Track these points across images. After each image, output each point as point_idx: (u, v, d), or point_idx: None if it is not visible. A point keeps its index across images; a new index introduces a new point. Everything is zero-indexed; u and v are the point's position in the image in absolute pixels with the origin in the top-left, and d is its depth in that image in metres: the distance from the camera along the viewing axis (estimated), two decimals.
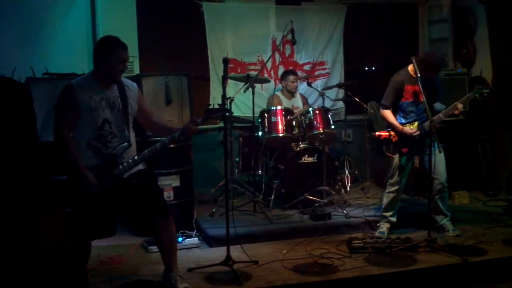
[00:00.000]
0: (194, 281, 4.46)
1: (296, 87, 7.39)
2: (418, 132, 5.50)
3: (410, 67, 5.50)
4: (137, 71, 7.08)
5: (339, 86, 7.61)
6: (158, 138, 5.05)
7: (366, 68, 8.19)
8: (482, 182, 7.45)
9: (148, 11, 7.46)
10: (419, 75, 5.25)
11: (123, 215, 4.50)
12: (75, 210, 4.17)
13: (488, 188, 7.37)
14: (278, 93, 7.40)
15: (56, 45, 6.64)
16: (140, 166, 4.26)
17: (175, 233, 4.41)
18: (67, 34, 6.76)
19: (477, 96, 5.46)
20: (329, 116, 6.62)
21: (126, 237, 5.77)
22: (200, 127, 4.36)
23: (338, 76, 8.32)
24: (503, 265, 4.93)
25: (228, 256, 4.69)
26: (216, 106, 4.46)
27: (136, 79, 5.46)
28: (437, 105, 5.68)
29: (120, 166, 4.11)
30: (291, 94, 7.37)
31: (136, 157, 4.19)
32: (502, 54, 7.47)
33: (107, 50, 4.06)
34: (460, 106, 5.42)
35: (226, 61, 4.86)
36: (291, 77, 7.29)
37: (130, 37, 7.05)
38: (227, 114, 5.02)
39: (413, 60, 5.34)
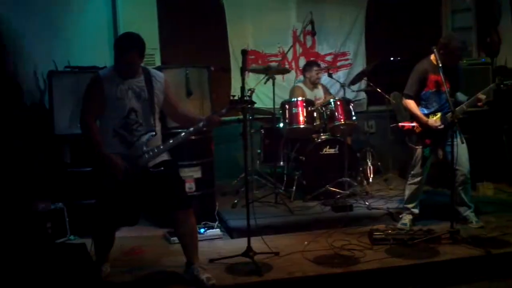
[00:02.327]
0: (215, 272, 4.46)
1: (319, 79, 7.36)
2: (442, 125, 5.42)
3: (432, 56, 5.43)
4: (158, 63, 7.11)
5: (360, 76, 7.54)
6: (181, 130, 5.08)
7: (392, 59, 8.09)
8: (507, 173, 7.34)
9: (169, 3, 7.48)
10: (440, 64, 5.18)
11: (146, 205, 4.53)
12: (99, 199, 4.26)
13: None
14: (301, 84, 7.38)
15: (77, 39, 6.70)
16: (165, 156, 4.30)
17: (195, 226, 4.41)
18: (89, 27, 6.81)
19: (502, 86, 5.38)
20: (351, 107, 6.57)
21: (148, 228, 5.82)
22: (222, 118, 4.38)
23: (360, 66, 8.28)
24: None
25: (249, 247, 4.69)
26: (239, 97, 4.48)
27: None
28: (459, 95, 5.61)
29: (146, 155, 4.16)
30: (313, 85, 7.34)
31: (161, 146, 4.24)
32: None
33: (114, 51, 4.18)
34: (482, 97, 5.35)
35: (245, 52, 4.84)
36: (314, 68, 7.26)
37: (150, 29, 7.11)
38: (250, 106, 5.03)
39: (434, 49, 5.28)
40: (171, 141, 4.25)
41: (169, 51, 7.39)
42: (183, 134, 4.28)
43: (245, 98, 4.55)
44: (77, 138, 4.64)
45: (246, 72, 7.25)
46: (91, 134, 4.12)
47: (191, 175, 5.81)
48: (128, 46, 4.13)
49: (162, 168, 4.19)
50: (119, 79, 4.17)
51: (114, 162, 4.05)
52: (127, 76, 4.19)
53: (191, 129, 4.28)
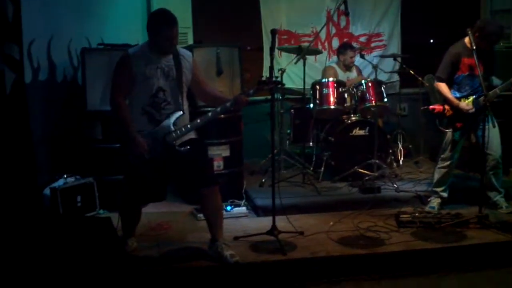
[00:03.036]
0: (239, 249, 4.51)
1: (353, 62, 7.30)
2: (473, 109, 5.34)
3: (467, 39, 5.33)
4: (190, 41, 7.15)
5: (393, 57, 7.45)
6: (209, 109, 5.12)
7: (432, 41, 7.97)
8: None
9: None
10: (474, 47, 5.09)
11: (173, 181, 4.60)
12: (127, 176, 4.34)
13: None
14: (334, 65, 7.33)
15: (111, 16, 6.76)
16: (192, 135, 4.35)
17: (220, 203, 4.45)
18: (122, 5, 6.88)
19: None
20: (383, 88, 6.50)
21: (177, 204, 5.90)
22: (251, 98, 4.40)
23: (395, 48, 8.21)
24: None
25: (274, 226, 4.72)
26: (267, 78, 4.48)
27: (188, 49, 5.50)
28: (494, 80, 5.51)
29: (173, 133, 4.21)
30: (347, 68, 7.28)
31: (188, 125, 4.28)
32: None
33: (155, 27, 4.15)
34: None
35: (274, 32, 4.83)
36: (349, 52, 7.19)
37: (184, 8, 7.15)
38: (279, 86, 5.02)
39: (469, 31, 5.18)
40: (198, 121, 4.29)
41: (202, 30, 7.43)
42: (210, 113, 4.31)
43: (274, 79, 4.54)
44: (108, 115, 4.69)
45: (278, 52, 7.29)
46: (120, 112, 4.18)
47: (219, 153, 5.87)
48: (174, 20, 4.15)
49: (189, 146, 4.23)
50: (149, 58, 4.20)
51: (139, 144, 4.10)
52: (165, 53, 4.22)
53: (218, 108, 4.30)
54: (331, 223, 5.24)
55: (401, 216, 5.20)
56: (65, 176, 5.46)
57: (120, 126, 4.20)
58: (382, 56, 7.61)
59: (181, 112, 4.28)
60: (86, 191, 5.50)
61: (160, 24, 4.14)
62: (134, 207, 4.51)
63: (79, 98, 5.74)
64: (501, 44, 6.77)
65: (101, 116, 5.60)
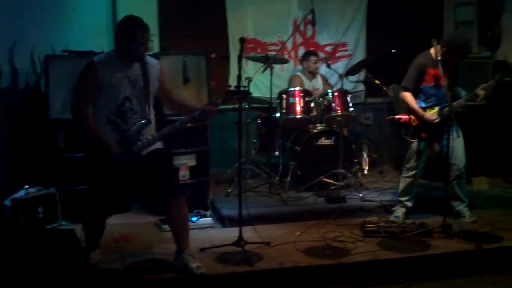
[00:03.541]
0: (205, 261, 4.47)
1: (317, 68, 7.35)
2: (438, 119, 5.40)
3: (432, 50, 5.39)
4: (157, 49, 7.08)
5: (359, 66, 7.51)
6: (176, 117, 5.08)
7: (393, 51, 8.07)
8: (502, 168, 7.34)
9: None
10: (439, 58, 5.15)
11: (138, 192, 4.54)
12: (91, 186, 4.25)
13: (508, 175, 7.25)
14: (300, 74, 7.36)
15: (75, 23, 6.64)
16: (158, 145, 4.30)
17: (187, 214, 4.41)
18: (87, 11, 6.76)
19: (499, 83, 5.35)
20: (348, 98, 6.54)
21: (141, 215, 5.81)
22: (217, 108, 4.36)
23: (360, 57, 8.21)
24: None
25: (240, 237, 4.70)
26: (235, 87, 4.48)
27: (154, 57, 5.46)
28: (459, 90, 5.58)
29: (139, 143, 4.15)
30: (312, 75, 7.33)
31: (155, 135, 4.23)
32: None
33: (128, 33, 4.07)
34: (481, 93, 5.32)
35: (242, 41, 4.83)
36: (312, 58, 7.26)
37: (150, 15, 7.06)
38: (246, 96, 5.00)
39: (434, 42, 5.25)
40: (165, 130, 4.25)
41: (168, 38, 7.35)
42: (177, 123, 4.27)
43: (242, 89, 4.53)
44: (72, 123, 4.61)
45: (245, 60, 7.27)
46: (84, 120, 4.10)
47: (185, 163, 5.81)
48: (147, 26, 4.11)
49: (154, 157, 4.18)
50: (115, 66, 4.13)
51: (112, 148, 4.04)
52: (135, 61, 4.16)
53: (186, 118, 4.27)
54: (298, 233, 5.24)
55: (367, 225, 5.24)
56: (26, 186, 5.35)
57: (86, 134, 4.12)
58: (349, 72, 7.59)
59: (147, 121, 4.22)
60: (48, 202, 5.39)
61: (134, 29, 4.06)
62: (98, 219, 4.42)
63: (41, 106, 5.63)
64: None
65: (64, 125, 5.51)
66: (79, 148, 4.38)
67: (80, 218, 4.48)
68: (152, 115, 4.30)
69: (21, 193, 5.23)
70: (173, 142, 5.40)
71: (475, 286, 4.53)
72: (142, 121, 4.20)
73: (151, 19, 7.05)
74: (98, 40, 6.55)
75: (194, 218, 5.42)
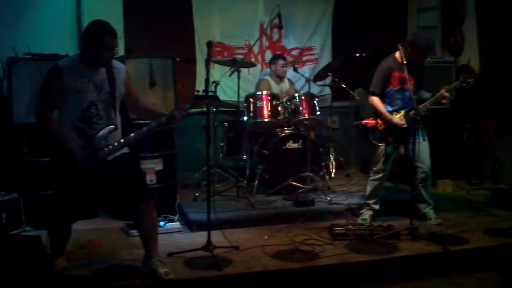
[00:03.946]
0: (174, 266, 4.42)
1: (285, 72, 7.36)
2: (405, 124, 5.45)
3: (397, 54, 5.44)
4: (122, 52, 6.99)
5: (325, 71, 7.56)
6: (142, 121, 5.03)
7: (358, 55, 8.15)
8: (466, 171, 7.48)
9: None
10: (405, 62, 5.21)
11: (105, 197, 4.47)
12: (57, 191, 4.17)
13: (472, 177, 7.40)
14: (267, 77, 7.37)
15: (39, 25, 6.53)
16: (124, 149, 4.23)
17: (156, 218, 4.36)
18: (51, 14, 6.65)
19: (464, 85, 5.43)
20: (315, 102, 6.56)
21: (107, 220, 5.72)
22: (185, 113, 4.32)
23: (326, 61, 8.25)
24: (484, 254, 4.93)
25: (209, 241, 4.66)
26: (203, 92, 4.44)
27: (120, 60, 5.38)
28: (424, 93, 5.65)
29: (105, 149, 4.08)
30: (280, 78, 7.34)
31: (121, 140, 4.17)
32: (489, 43, 7.46)
33: (96, 38, 4.00)
34: (447, 94, 5.38)
35: (210, 44, 4.80)
36: (280, 62, 7.27)
37: (115, 18, 6.93)
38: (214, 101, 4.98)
39: (400, 46, 5.30)
40: (132, 135, 4.19)
41: (134, 41, 7.26)
42: (144, 128, 4.20)
43: (210, 93, 4.50)
44: (36, 127, 4.51)
45: (212, 64, 7.24)
46: (50, 125, 4.01)
47: (152, 167, 5.75)
48: (115, 32, 4.05)
49: (121, 162, 4.12)
50: (80, 71, 4.05)
51: (77, 154, 3.96)
52: (101, 65, 4.09)
53: (153, 123, 4.20)
54: (266, 237, 5.23)
55: (335, 228, 5.25)
56: None
57: (52, 139, 4.04)
58: (317, 79, 7.63)
59: (114, 127, 4.16)
60: (12, 207, 5.26)
61: (103, 35, 4.00)
62: (64, 224, 4.32)
63: (4, 110, 5.50)
64: (429, 59, 6.96)
65: (28, 129, 5.39)
66: (44, 152, 4.27)
67: (45, 224, 4.38)
68: (118, 120, 4.24)
69: None
70: (139, 146, 5.33)
71: (442, 287, 4.59)
72: (109, 127, 4.13)
73: (116, 21, 6.89)
74: (63, 42, 6.46)
75: (161, 223, 5.36)
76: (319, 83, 7.66)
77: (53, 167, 4.12)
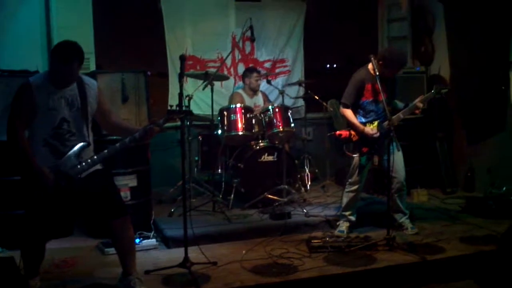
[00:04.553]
0: (151, 284, 4.36)
1: (259, 85, 7.34)
2: (378, 133, 5.48)
3: (370, 66, 5.46)
4: (93, 67, 6.93)
5: (299, 83, 7.60)
6: (115, 137, 4.96)
7: (328, 66, 8.20)
8: (440, 180, 7.54)
9: (105, 6, 7.29)
10: (377, 73, 5.24)
11: (80, 215, 4.40)
12: (29, 210, 4.07)
13: (446, 186, 7.46)
14: (240, 91, 7.35)
15: (8, 41, 6.46)
16: (97, 166, 4.17)
17: (132, 235, 4.30)
18: (20, 29, 6.57)
19: (437, 95, 5.48)
20: (289, 114, 6.55)
21: (81, 238, 5.62)
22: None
23: (298, 73, 8.34)
24: (460, 263, 4.95)
25: (186, 258, 4.61)
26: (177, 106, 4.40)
27: (91, 76, 5.31)
28: (397, 103, 5.68)
29: (78, 166, 4.01)
30: (253, 92, 7.32)
31: (95, 157, 4.10)
32: (459, 53, 7.54)
33: (57, 59, 3.95)
34: (420, 105, 5.43)
35: (183, 58, 4.76)
36: (254, 75, 7.24)
37: (85, 32, 6.92)
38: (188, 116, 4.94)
39: (372, 58, 5.33)
40: (105, 152, 4.12)
41: (105, 56, 7.22)
42: (118, 144, 4.15)
43: (183, 108, 4.46)
44: (6, 145, 4.41)
45: (184, 77, 7.20)
46: (20, 144, 3.93)
47: (126, 183, 5.67)
48: (71, 56, 3.94)
49: (94, 179, 4.06)
50: (51, 88, 3.99)
51: (45, 176, 3.89)
52: (63, 86, 4.03)
53: (127, 139, 4.14)
54: (244, 251, 5.18)
55: (312, 241, 5.23)
56: None
57: (21, 160, 3.96)
58: (289, 84, 7.68)
59: (86, 143, 4.09)
60: None
61: (59, 58, 3.93)
62: (37, 244, 4.21)
63: None
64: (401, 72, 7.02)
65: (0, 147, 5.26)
66: (15, 170, 4.18)
67: (18, 244, 4.28)
68: (90, 137, 4.18)
69: None
70: (112, 162, 5.25)
71: None
72: (81, 144, 4.06)
73: (86, 36, 6.92)
74: (32, 58, 6.35)
75: (137, 240, 5.26)
76: (292, 95, 7.68)
77: (24, 186, 4.03)
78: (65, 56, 3.93)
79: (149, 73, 6.26)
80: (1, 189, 5.29)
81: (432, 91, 5.48)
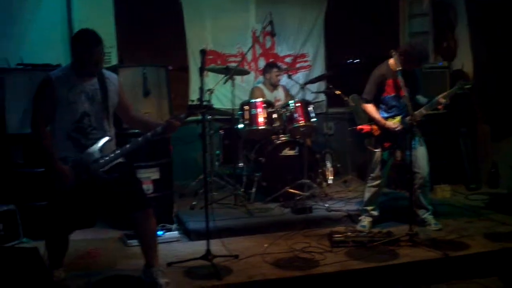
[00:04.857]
0: (173, 276, 4.37)
1: (279, 80, 7.33)
2: (400, 127, 5.44)
3: (391, 61, 5.44)
4: (114, 61, 6.96)
5: (320, 78, 7.56)
6: (137, 131, 4.99)
7: (349, 61, 8.15)
8: (464, 175, 7.46)
9: (126, 0, 7.31)
10: (399, 68, 5.21)
11: (103, 207, 4.42)
12: (51, 202, 4.12)
13: (469, 182, 7.38)
14: (261, 85, 7.34)
15: (31, 35, 6.50)
16: (120, 159, 4.18)
17: (155, 227, 4.33)
18: (42, 24, 6.62)
19: (460, 91, 5.43)
20: (310, 108, 6.53)
21: (105, 230, 5.67)
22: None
23: (319, 68, 8.30)
24: (484, 260, 4.90)
25: (208, 251, 4.62)
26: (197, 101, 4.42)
27: (113, 70, 5.34)
28: (419, 98, 5.63)
29: (101, 160, 4.03)
30: (273, 86, 7.31)
31: (117, 151, 4.12)
32: (482, 47, 7.47)
33: (81, 45, 3.98)
34: (443, 100, 5.38)
35: (203, 52, 4.77)
36: (274, 70, 7.24)
37: (107, 27, 6.95)
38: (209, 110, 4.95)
39: (394, 53, 5.30)
40: (127, 146, 4.14)
41: (126, 50, 7.23)
42: (140, 139, 4.16)
43: (204, 103, 4.46)
44: (30, 138, 4.46)
45: (205, 72, 7.21)
46: (42, 140, 3.97)
47: (148, 176, 5.71)
48: (97, 40, 3.98)
49: (117, 173, 4.08)
50: (72, 81, 4.01)
51: (62, 174, 3.91)
52: (90, 75, 4.04)
53: (149, 134, 4.15)
54: (266, 245, 5.18)
55: (334, 236, 5.21)
56: None
57: (42, 154, 3.99)
58: (309, 82, 7.62)
59: (108, 138, 4.12)
60: (8, 219, 5.19)
61: (89, 43, 3.96)
62: (60, 235, 4.25)
63: None
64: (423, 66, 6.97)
65: (23, 139, 5.33)
66: (39, 162, 4.21)
67: (42, 235, 4.32)
68: (112, 131, 4.20)
69: None
70: (135, 155, 5.26)
71: None
72: (103, 138, 4.08)
73: (108, 30, 6.96)
74: (54, 52, 6.44)
75: (159, 232, 5.28)
76: (313, 89, 7.66)
77: (47, 178, 4.06)
78: (91, 37, 3.97)
79: (170, 67, 6.29)
80: (27, 181, 5.36)
81: (455, 87, 5.42)
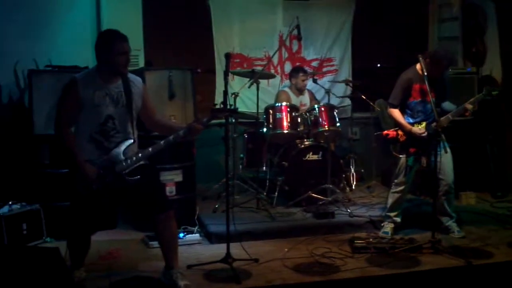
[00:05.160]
0: (193, 278, 4.40)
1: (305, 85, 7.29)
2: (426, 133, 5.39)
3: (418, 66, 5.40)
4: (142, 64, 7.02)
5: (344, 82, 7.53)
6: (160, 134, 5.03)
7: (379, 65, 8.11)
8: (490, 183, 7.34)
9: (154, 2, 7.39)
10: (426, 73, 5.16)
11: (124, 209, 4.46)
12: (73, 203, 4.17)
13: (496, 189, 7.26)
14: (287, 89, 7.32)
15: (60, 37, 6.60)
16: (142, 161, 4.21)
17: (176, 229, 4.35)
18: (72, 26, 6.71)
19: (488, 96, 5.36)
20: (335, 113, 6.51)
21: (127, 231, 5.73)
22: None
23: (346, 73, 8.25)
24: (508, 269, 4.83)
25: (228, 254, 4.63)
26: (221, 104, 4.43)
27: (139, 73, 5.40)
28: (447, 105, 5.57)
29: (123, 163, 4.07)
30: (299, 91, 7.27)
31: (139, 154, 4.15)
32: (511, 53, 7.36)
33: (106, 44, 4.02)
34: (469, 107, 5.32)
35: (228, 56, 4.78)
36: (301, 75, 7.19)
37: (135, 29, 7.01)
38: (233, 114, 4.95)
39: (420, 58, 5.25)
40: (150, 149, 4.17)
41: (154, 52, 7.30)
42: (162, 142, 4.19)
43: (228, 106, 4.48)
44: (56, 139, 4.54)
45: (231, 75, 7.24)
46: (66, 142, 4.03)
47: (171, 178, 5.74)
48: (124, 37, 4.04)
49: (139, 175, 4.11)
50: (97, 84, 4.05)
51: (86, 174, 3.97)
52: (116, 74, 4.08)
53: (171, 137, 4.17)
54: (286, 249, 5.19)
55: (355, 241, 5.19)
56: (10, 203, 5.25)
57: (67, 155, 4.05)
58: (334, 81, 7.64)
59: (132, 141, 4.15)
60: (32, 218, 5.29)
61: (112, 40, 4.01)
62: (82, 236, 4.31)
63: (25, 121, 5.54)
64: (450, 70, 6.88)
65: (49, 140, 5.41)
66: (64, 163, 4.28)
67: (64, 234, 4.38)
68: (135, 134, 4.23)
69: (4, 210, 5.14)
70: (159, 157, 5.31)
71: None
72: (126, 141, 4.12)
73: (136, 32, 7.02)
74: (83, 54, 6.46)
75: (181, 235, 5.33)
76: (339, 94, 7.63)
77: (71, 179, 4.12)
78: (116, 36, 4.02)
79: (198, 70, 6.31)
80: (51, 181, 5.44)
81: (482, 93, 5.36)
